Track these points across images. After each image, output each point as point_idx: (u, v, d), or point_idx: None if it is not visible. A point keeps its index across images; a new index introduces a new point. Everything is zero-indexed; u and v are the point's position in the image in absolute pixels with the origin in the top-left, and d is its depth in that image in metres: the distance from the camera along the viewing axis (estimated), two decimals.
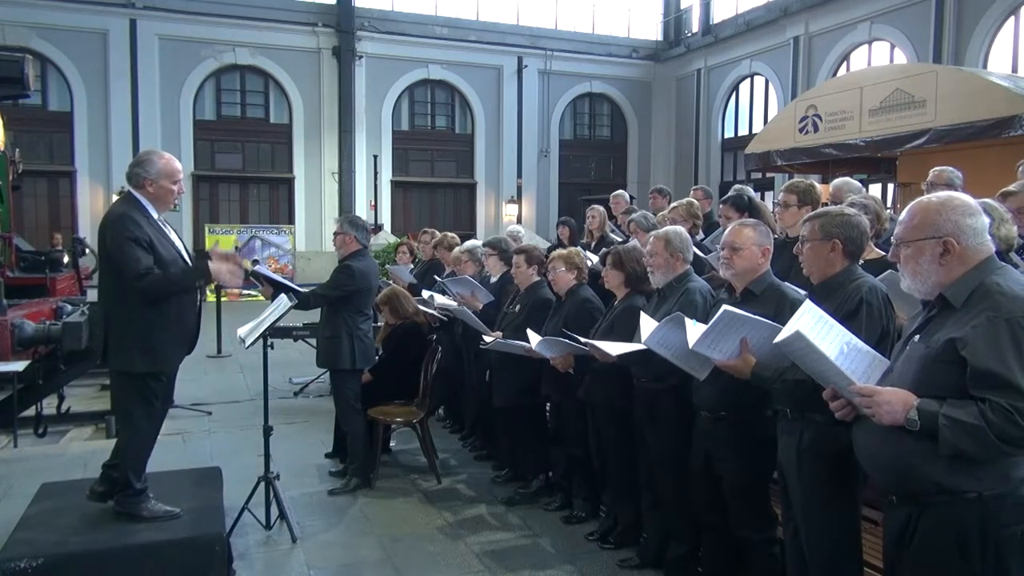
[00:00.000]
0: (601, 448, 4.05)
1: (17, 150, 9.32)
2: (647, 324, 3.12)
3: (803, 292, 2.88)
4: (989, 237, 2.05)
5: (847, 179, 4.78)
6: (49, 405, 6.45)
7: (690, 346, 2.71)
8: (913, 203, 2.13)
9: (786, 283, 3.07)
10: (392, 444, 5.82)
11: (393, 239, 13.02)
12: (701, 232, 5.40)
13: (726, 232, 3.11)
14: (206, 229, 16.63)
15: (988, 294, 1.94)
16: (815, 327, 2.10)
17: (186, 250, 3.75)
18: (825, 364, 2.05)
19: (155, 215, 3.59)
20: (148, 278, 3.38)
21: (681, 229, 3.74)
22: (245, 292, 15.89)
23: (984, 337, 1.88)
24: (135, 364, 3.48)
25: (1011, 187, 3.52)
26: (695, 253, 3.86)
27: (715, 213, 6.21)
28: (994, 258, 2.04)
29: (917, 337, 2.08)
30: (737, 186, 6.48)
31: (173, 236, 3.68)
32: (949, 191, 2.40)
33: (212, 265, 3.51)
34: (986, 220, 2.06)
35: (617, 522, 4.09)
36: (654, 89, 21.52)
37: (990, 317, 1.89)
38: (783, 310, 2.78)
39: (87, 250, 9.20)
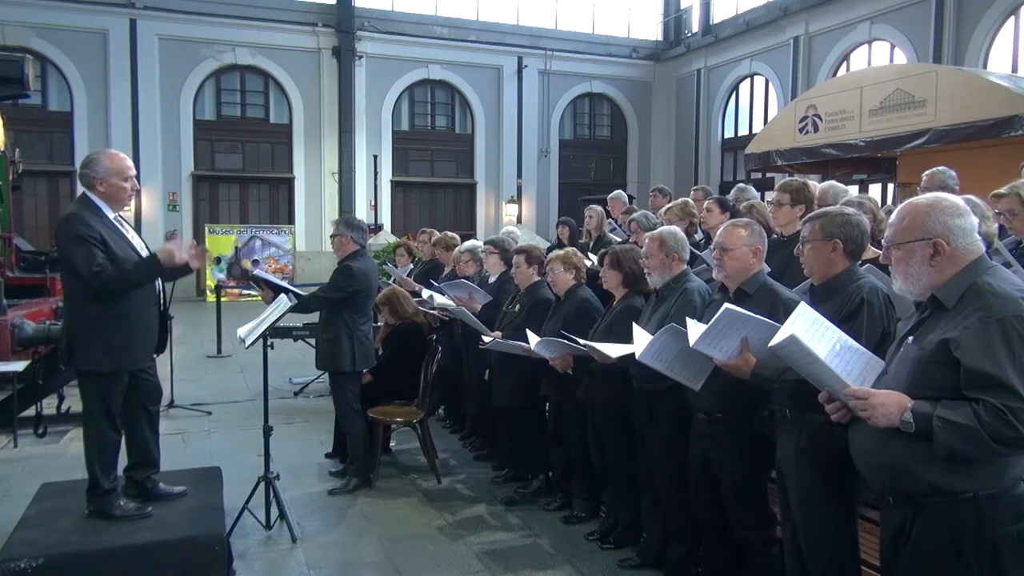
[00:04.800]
0: (601, 448, 4.05)
1: (17, 150, 9.33)
2: (641, 338, 3.12)
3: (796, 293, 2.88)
4: (979, 237, 2.06)
5: (833, 183, 4.80)
6: (49, 405, 6.47)
7: (691, 344, 2.71)
8: (902, 205, 2.14)
9: (779, 283, 3.07)
10: (392, 444, 5.82)
11: (393, 239, 13.03)
12: (700, 231, 5.41)
13: (719, 233, 3.11)
14: (206, 229, 16.63)
15: (980, 294, 1.94)
16: (810, 330, 2.11)
17: (147, 248, 3.73)
18: (820, 367, 2.05)
19: (110, 215, 3.59)
20: (102, 275, 3.38)
21: (676, 229, 3.74)
22: (245, 292, 15.91)
23: (976, 338, 1.88)
24: (97, 363, 3.49)
25: (1002, 189, 3.54)
26: (693, 252, 3.86)
27: None
28: (985, 258, 2.05)
29: (911, 339, 2.08)
30: (739, 185, 6.50)
31: (131, 235, 3.67)
32: (938, 192, 2.41)
33: (160, 251, 3.47)
34: (975, 220, 2.07)
35: (617, 522, 4.09)
36: (654, 89, 21.50)
37: (982, 318, 1.90)
38: (776, 310, 2.78)
39: None
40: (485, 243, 5.71)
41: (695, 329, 2.74)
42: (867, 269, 2.86)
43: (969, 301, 1.96)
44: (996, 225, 2.95)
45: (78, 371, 3.62)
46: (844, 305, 2.53)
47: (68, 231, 3.44)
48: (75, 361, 3.54)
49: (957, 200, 2.10)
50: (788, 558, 2.81)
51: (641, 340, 3.09)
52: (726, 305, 2.66)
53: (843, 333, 2.18)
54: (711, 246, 3.24)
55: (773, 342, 2.12)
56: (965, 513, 1.94)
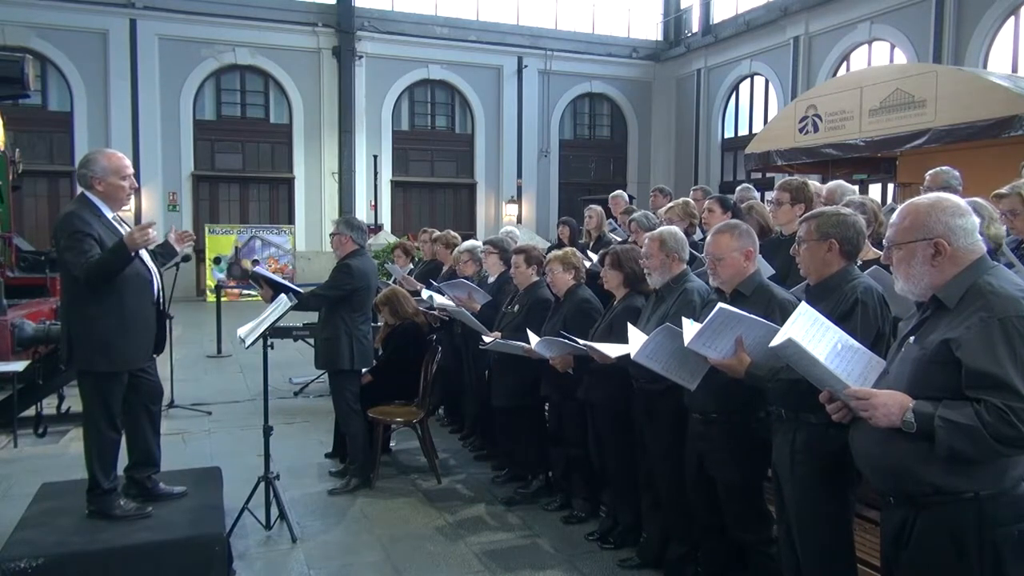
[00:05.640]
0: (600, 448, 4.05)
1: (17, 150, 9.34)
2: (636, 338, 3.12)
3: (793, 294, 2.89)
4: (981, 237, 2.06)
5: (840, 182, 4.79)
6: (49, 405, 6.46)
7: (686, 343, 2.71)
8: (903, 205, 2.13)
9: (776, 285, 3.07)
10: (392, 444, 5.82)
11: (393, 239, 13.03)
12: (699, 231, 5.41)
13: (706, 243, 3.10)
14: (206, 229, 16.63)
15: (981, 294, 1.94)
16: (810, 330, 2.10)
17: (145, 249, 3.67)
18: (820, 368, 2.05)
19: (108, 214, 3.57)
20: (86, 266, 3.35)
21: (676, 229, 3.74)
22: (245, 292, 15.91)
23: (978, 338, 1.88)
24: (95, 364, 3.49)
25: (1003, 189, 3.54)
26: (693, 253, 3.86)
27: None
28: (986, 258, 2.05)
29: (912, 338, 2.08)
30: (743, 185, 6.51)
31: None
32: (939, 192, 2.41)
33: (125, 236, 3.40)
34: (976, 220, 2.06)
35: (617, 522, 4.09)
36: (654, 89, 21.50)
37: (983, 318, 1.90)
38: (772, 311, 2.78)
39: None
40: (484, 243, 5.71)
41: (690, 328, 2.74)
42: (874, 270, 2.85)
43: (970, 301, 1.95)
44: (1004, 228, 2.95)
45: (77, 371, 3.61)
46: (839, 305, 2.52)
47: (65, 227, 3.43)
48: (73, 361, 3.53)
49: (958, 200, 2.09)
50: (783, 557, 2.80)
51: (636, 341, 3.09)
52: (720, 304, 2.66)
53: (844, 333, 2.18)
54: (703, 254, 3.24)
55: (773, 343, 2.12)
56: (966, 513, 1.94)
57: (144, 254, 3.66)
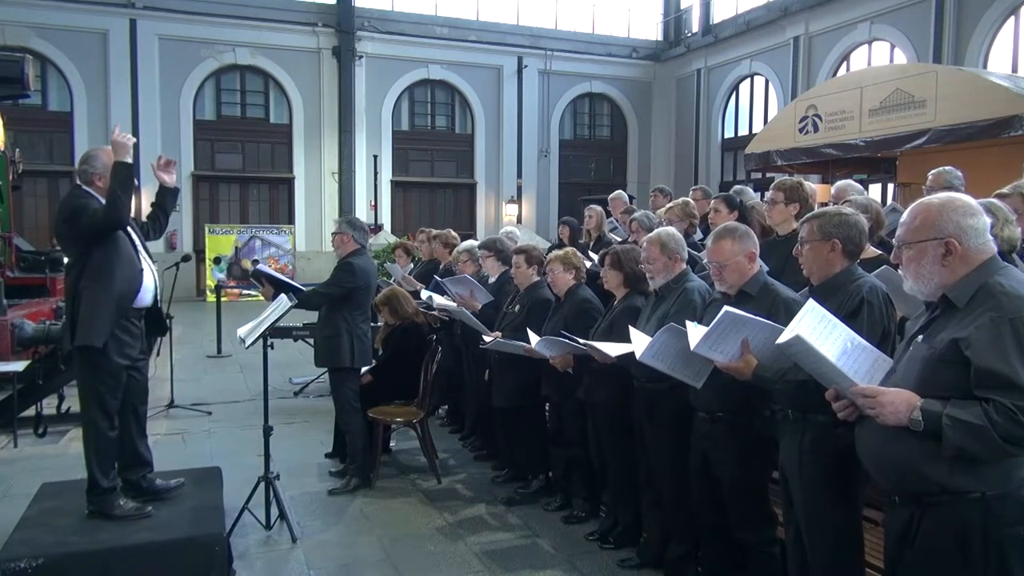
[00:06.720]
0: (601, 448, 4.04)
1: (17, 150, 9.35)
2: (639, 339, 3.12)
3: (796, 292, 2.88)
4: (991, 237, 2.05)
5: (849, 181, 4.77)
6: (49, 405, 6.46)
7: (692, 348, 2.71)
8: (914, 204, 2.13)
9: (779, 283, 3.07)
10: (392, 444, 5.82)
11: (393, 239, 13.03)
12: (699, 231, 5.40)
13: (708, 250, 3.10)
14: (206, 229, 16.62)
15: (991, 294, 1.94)
16: (817, 328, 2.09)
17: (143, 244, 3.78)
18: (827, 366, 2.04)
19: None
20: (109, 206, 3.46)
21: (672, 230, 3.75)
22: (245, 292, 15.91)
23: (987, 337, 1.87)
24: (94, 337, 3.50)
25: (1004, 189, 3.53)
26: (691, 253, 3.86)
27: None
28: (997, 258, 2.04)
29: (920, 337, 2.07)
30: (737, 187, 6.49)
31: (128, 229, 3.70)
32: (950, 192, 2.40)
33: (116, 152, 3.53)
34: (987, 220, 2.06)
35: (617, 522, 4.09)
36: (654, 89, 21.50)
37: (993, 317, 1.89)
38: (776, 310, 2.79)
39: None
40: (479, 247, 5.68)
41: (695, 332, 2.74)
42: (883, 270, 2.84)
43: (980, 301, 1.95)
44: (1019, 230, 2.93)
45: (77, 369, 3.63)
46: (844, 304, 2.52)
47: (72, 203, 3.52)
48: (75, 338, 3.54)
49: (970, 200, 2.08)
50: (791, 558, 2.80)
51: (639, 342, 3.09)
52: (726, 308, 2.66)
53: (851, 330, 2.17)
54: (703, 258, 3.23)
55: (780, 340, 2.11)
56: (972, 513, 1.93)
57: (143, 254, 3.68)
